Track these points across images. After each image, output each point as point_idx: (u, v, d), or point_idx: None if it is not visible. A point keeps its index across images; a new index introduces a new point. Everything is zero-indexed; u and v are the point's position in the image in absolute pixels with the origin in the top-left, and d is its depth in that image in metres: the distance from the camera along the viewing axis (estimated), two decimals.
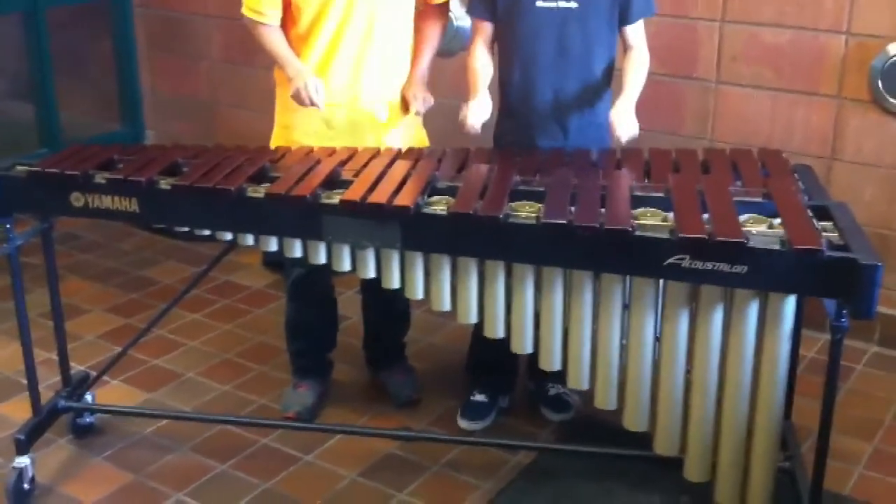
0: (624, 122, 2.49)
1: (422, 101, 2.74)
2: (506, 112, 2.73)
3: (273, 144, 2.80)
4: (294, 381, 2.99)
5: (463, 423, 2.88)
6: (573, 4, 2.55)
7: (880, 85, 3.12)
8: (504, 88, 2.70)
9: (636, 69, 2.62)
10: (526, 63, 2.62)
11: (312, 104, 2.62)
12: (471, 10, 2.73)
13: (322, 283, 2.92)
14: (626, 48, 2.67)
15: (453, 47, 3.74)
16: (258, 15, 2.70)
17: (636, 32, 2.65)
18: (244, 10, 2.72)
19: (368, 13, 2.64)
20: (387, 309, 3.01)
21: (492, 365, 2.87)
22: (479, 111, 2.56)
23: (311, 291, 2.91)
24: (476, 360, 2.95)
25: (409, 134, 2.81)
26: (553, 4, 2.55)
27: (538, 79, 2.61)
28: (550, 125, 2.64)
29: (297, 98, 2.63)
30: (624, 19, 2.62)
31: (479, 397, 2.91)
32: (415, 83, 2.76)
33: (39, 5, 4.47)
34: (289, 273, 2.91)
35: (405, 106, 2.76)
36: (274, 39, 2.71)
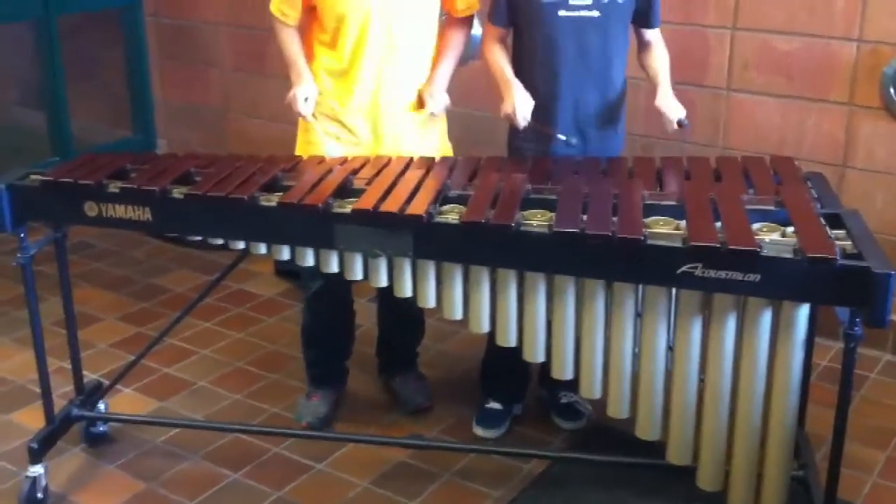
0: (672, 107, 2.55)
1: (438, 101, 2.74)
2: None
3: (298, 148, 2.83)
4: (308, 391, 2.99)
5: (479, 431, 2.88)
6: (594, 13, 2.56)
7: (892, 92, 3.11)
8: None
9: (664, 62, 2.69)
10: (547, 71, 2.62)
11: (297, 113, 2.69)
12: (491, 18, 2.75)
13: (341, 292, 2.92)
14: (643, 45, 2.72)
15: (464, 56, 3.74)
16: (283, 16, 2.76)
17: (655, 33, 2.72)
18: (272, 9, 2.78)
19: (387, 24, 2.66)
20: (401, 317, 3.02)
21: (505, 373, 2.87)
22: (523, 101, 2.57)
23: (329, 303, 2.91)
24: (490, 367, 2.95)
25: (433, 145, 2.81)
26: (575, 14, 2.56)
27: (559, 87, 2.62)
28: (571, 131, 2.64)
29: (290, 105, 2.71)
30: (647, 23, 2.67)
31: (494, 405, 2.91)
32: (432, 83, 2.76)
33: (51, 13, 4.49)
34: (308, 286, 2.91)
35: (420, 104, 2.77)
36: (290, 40, 2.78)
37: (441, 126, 2.86)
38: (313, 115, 2.73)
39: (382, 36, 2.67)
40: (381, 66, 2.70)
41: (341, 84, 2.73)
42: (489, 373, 2.95)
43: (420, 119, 2.75)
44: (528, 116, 2.57)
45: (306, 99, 2.70)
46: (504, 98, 2.61)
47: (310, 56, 2.78)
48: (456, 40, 2.82)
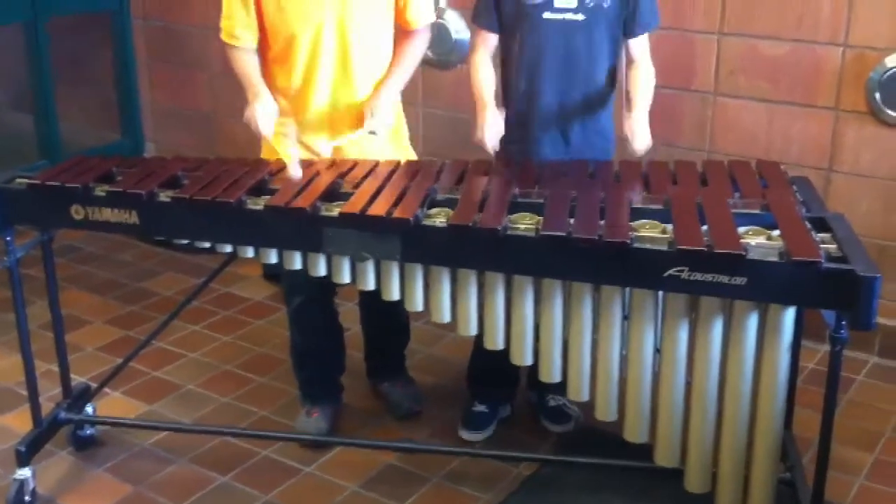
0: (639, 133, 2.53)
1: (378, 118, 2.60)
2: (509, 121, 2.73)
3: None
4: (306, 409, 2.94)
5: (464, 434, 2.88)
6: (579, 17, 2.56)
7: (878, 97, 3.13)
8: (508, 97, 2.72)
9: (644, 84, 2.65)
10: (531, 73, 2.63)
11: (257, 132, 2.60)
12: (476, 21, 2.74)
13: (325, 308, 2.89)
14: (628, 61, 2.68)
15: (451, 60, 3.76)
16: (233, 39, 2.68)
17: (640, 45, 2.67)
18: (222, 36, 2.71)
19: (340, 39, 2.61)
20: (386, 322, 3.01)
21: (492, 375, 2.88)
22: (492, 127, 2.57)
23: (314, 319, 2.87)
24: (476, 370, 2.95)
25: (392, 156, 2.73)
26: (559, 17, 2.56)
27: (543, 88, 2.63)
28: (554, 134, 2.66)
29: (248, 122, 2.61)
30: (629, 32, 2.64)
31: (480, 408, 2.91)
32: (374, 99, 2.64)
33: (39, 16, 4.48)
34: (290, 301, 2.87)
35: (361, 121, 2.64)
36: (245, 62, 2.69)
37: (402, 135, 2.82)
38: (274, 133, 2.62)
39: (336, 51, 2.62)
40: (335, 81, 2.65)
41: (296, 104, 2.68)
42: (476, 375, 2.96)
43: (365, 131, 2.64)
44: (497, 144, 2.56)
45: (264, 116, 2.58)
46: (476, 121, 2.60)
47: (264, 77, 2.69)
48: (405, 54, 2.74)
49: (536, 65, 2.62)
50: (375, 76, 2.70)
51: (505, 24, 2.66)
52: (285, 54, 2.66)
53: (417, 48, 2.77)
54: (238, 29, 2.67)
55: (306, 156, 2.66)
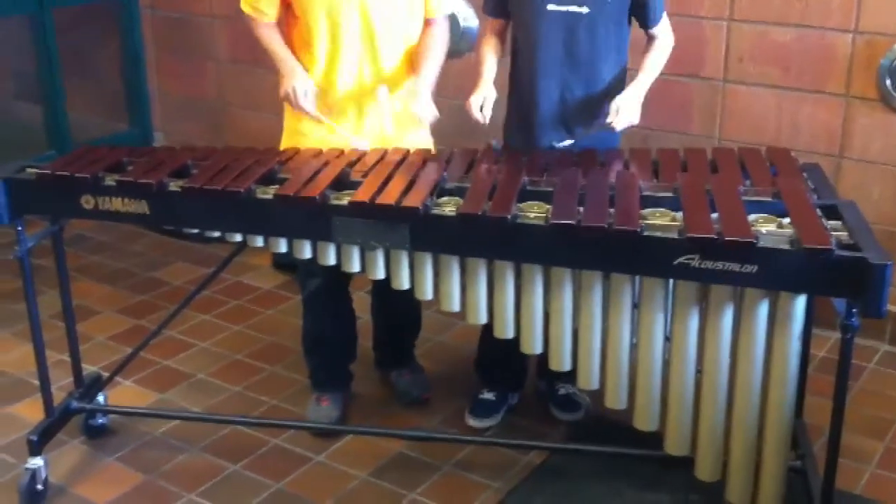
0: (624, 110, 2.50)
1: (426, 110, 2.64)
2: (513, 113, 2.73)
3: (284, 140, 2.81)
4: (316, 395, 2.95)
5: (471, 421, 2.88)
6: (584, 9, 2.55)
7: (888, 83, 3.11)
8: (512, 89, 2.71)
9: (651, 63, 2.65)
10: (533, 65, 2.62)
11: (300, 108, 2.61)
12: (485, 9, 2.75)
13: (339, 295, 2.90)
14: (647, 43, 2.69)
15: (461, 48, 3.74)
16: (256, 12, 2.70)
17: (660, 28, 2.68)
18: (242, 5, 2.72)
19: (363, 20, 2.62)
20: (397, 313, 3.01)
21: (501, 363, 2.88)
22: (476, 97, 2.57)
23: (328, 304, 2.87)
24: (485, 358, 2.96)
25: (420, 141, 2.76)
26: (563, 8, 2.55)
27: (544, 81, 2.62)
28: (557, 128, 2.65)
29: (287, 99, 2.63)
30: (646, 23, 2.64)
31: (488, 395, 2.91)
32: (417, 94, 2.65)
33: (46, 6, 4.48)
34: (304, 285, 2.88)
35: (410, 118, 2.67)
36: (270, 37, 2.70)
37: (424, 128, 2.81)
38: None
39: (360, 32, 2.62)
40: (361, 59, 2.66)
41: (322, 81, 2.68)
42: (484, 363, 2.96)
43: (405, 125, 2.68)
44: (479, 111, 2.55)
45: (305, 93, 2.62)
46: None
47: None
48: (429, 45, 2.74)
49: (538, 57, 2.61)
50: (401, 56, 2.71)
51: (511, 13, 2.66)
52: (307, 33, 2.66)
53: (442, 38, 2.78)
54: (262, 2, 2.67)
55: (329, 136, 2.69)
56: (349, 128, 2.71)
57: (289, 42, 2.73)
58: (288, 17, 2.72)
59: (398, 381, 3.06)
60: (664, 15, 2.68)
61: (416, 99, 2.63)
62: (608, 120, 2.52)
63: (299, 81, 2.63)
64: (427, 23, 2.76)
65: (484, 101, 2.58)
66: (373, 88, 2.68)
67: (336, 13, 2.61)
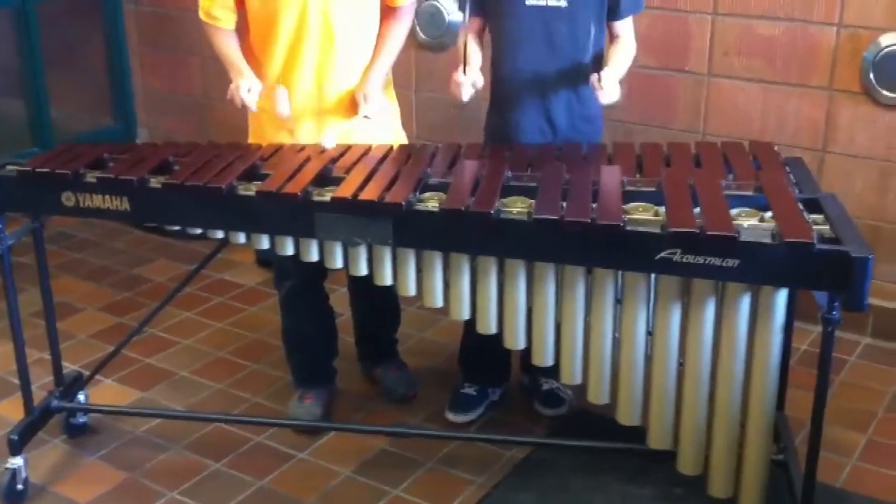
0: (607, 84, 2.46)
1: (372, 103, 2.60)
2: (495, 108, 2.72)
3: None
4: (299, 393, 2.93)
5: (451, 416, 2.88)
6: (562, 3, 2.54)
7: (872, 77, 3.12)
8: (493, 84, 2.70)
9: (621, 53, 2.62)
10: (514, 60, 2.61)
11: (244, 105, 2.58)
12: (461, 5, 2.72)
13: (316, 293, 2.89)
14: (612, 38, 2.66)
15: (445, 42, 3.74)
16: (212, 19, 2.68)
17: (624, 26, 2.65)
18: (200, 14, 2.71)
19: (323, 19, 2.59)
20: (375, 306, 3.00)
21: (483, 358, 2.87)
22: (464, 78, 2.50)
23: (305, 303, 2.86)
24: (467, 352, 2.95)
25: (386, 139, 2.71)
26: (542, 3, 2.54)
27: (525, 76, 2.61)
28: (539, 122, 2.64)
29: (232, 100, 2.61)
30: (613, 15, 2.62)
31: (469, 390, 2.91)
32: (365, 84, 2.63)
33: (29, 1, 4.44)
34: (279, 286, 2.87)
35: (354, 108, 2.64)
36: (225, 43, 2.69)
37: (393, 118, 2.80)
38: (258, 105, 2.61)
39: (320, 34, 2.59)
40: (319, 65, 2.63)
41: (280, 85, 2.65)
42: (467, 357, 2.95)
43: (360, 118, 2.63)
44: (465, 94, 2.50)
45: (249, 90, 2.58)
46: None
47: (247, 59, 2.68)
48: (391, 34, 2.70)
49: (518, 52, 2.60)
50: (361, 58, 2.68)
51: (488, 10, 2.64)
52: (266, 38, 2.63)
53: (402, 27, 2.74)
54: (216, 9, 2.66)
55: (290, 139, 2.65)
56: (310, 132, 2.67)
57: (246, 49, 2.70)
58: (244, 24, 2.69)
59: (383, 378, 3.05)
60: (630, 21, 2.65)
61: (363, 92, 2.61)
62: (597, 94, 2.47)
63: (244, 80, 2.60)
64: (390, 11, 2.71)
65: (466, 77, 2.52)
66: (332, 93, 2.65)
67: (297, 17, 2.58)
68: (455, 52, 2.75)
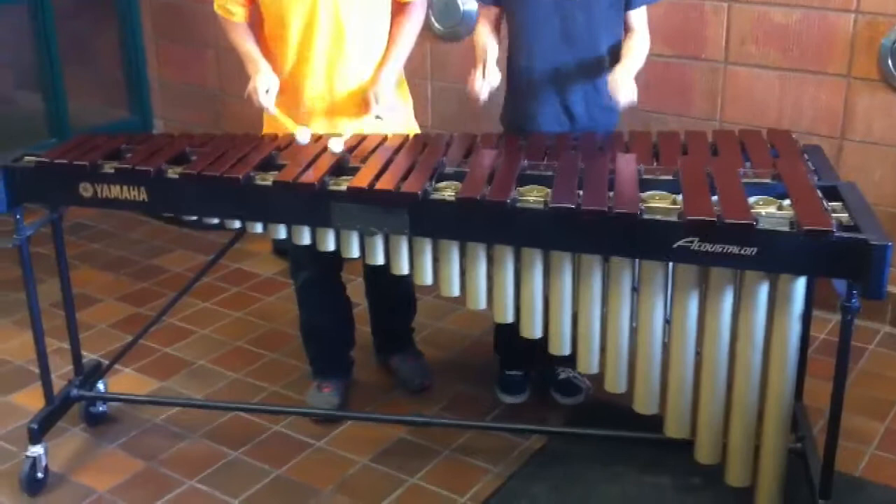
0: (623, 85, 2.45)
1: (382, 102, 2.58)
2: (512, 98, 2.72)
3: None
4: (317, 383, 2.94)
5: (504, 398, 2.90)
6: None
7: (890, 64, 3.09)
8: (510, 74, 2.69)
9: (635, 46, 2.59)
10: (530, 50, 2.60)
11: (260, 106, 2.59)
12: None
13: (331, 285, 2.89)
14: (626, 30, 2.65)
15: (460, 32, 3.73)
16: (226, 13, 2.69)
17: (639, 17, 2.63)
18: (215, 7, 2.72)
19: (333, 17, 2.58)
20: (390, 296, 3.01)
21: (516, 345, 2.86)
22: (483, 77, 2.49)
23: (320, 295, 2.87)
24: (502, 339, 2.96)
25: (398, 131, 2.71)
26: None
27: (542, 65, 2.60)
28: (556, 111, 2.63)
29: (250, 97, 2.60)
30: (628, 5, 2.60)
31: (514, 373, 2.93)
32: (377, 84, 2.62)
33: None
34: (295, 278, 2.88)
35: (365, 107, 2.63)
36: (241, 36, 2.69)
37: (406, 116, 2.78)
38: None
39: (330, 32, 2.59)
40: (329, 62, 2.62)
41: (291, 85, 2.66)
42: (503, 344, 2.96)
43: (371, 118, 2.61)
44: (485, 94, 2.48)
45: (267, 91, 2.58)
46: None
47: (263, 53, 2.67)
48: (403, 31, 2.69)
49: (535, 42, 2.59)
50: (371, 56, 2.67)
51: (506, 1, 2.63)
52: (278, 34, 2.64)
53: (414, 23, 2.72)
54: (230, 2, 2.67)
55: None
56: (321, 130, 2.66)
57: (261, 42, 2.71)
58: (258, 17, 2.69)
59: (400, 368, 3.06)
60: (645, 12, 2.62)
61: (374, 91, 2.59)
62: (615, 97, 2.45)
63: (262, 78, 2.60)
64: (401, 7, 2.70)
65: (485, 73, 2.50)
66: (343, 91, 2.65)
67: (308, 14, 2.57)
68: (470, 42, 2.74)
